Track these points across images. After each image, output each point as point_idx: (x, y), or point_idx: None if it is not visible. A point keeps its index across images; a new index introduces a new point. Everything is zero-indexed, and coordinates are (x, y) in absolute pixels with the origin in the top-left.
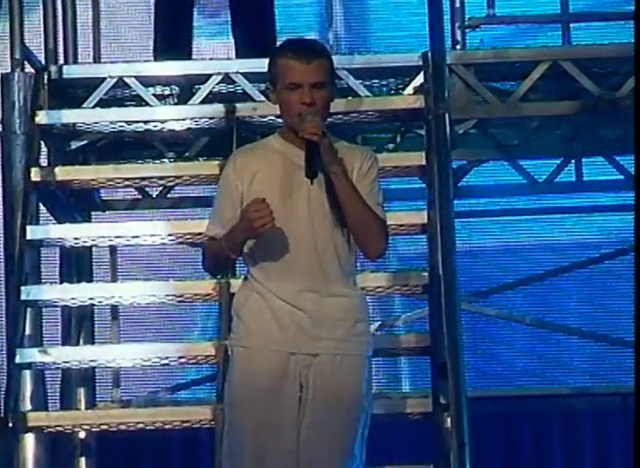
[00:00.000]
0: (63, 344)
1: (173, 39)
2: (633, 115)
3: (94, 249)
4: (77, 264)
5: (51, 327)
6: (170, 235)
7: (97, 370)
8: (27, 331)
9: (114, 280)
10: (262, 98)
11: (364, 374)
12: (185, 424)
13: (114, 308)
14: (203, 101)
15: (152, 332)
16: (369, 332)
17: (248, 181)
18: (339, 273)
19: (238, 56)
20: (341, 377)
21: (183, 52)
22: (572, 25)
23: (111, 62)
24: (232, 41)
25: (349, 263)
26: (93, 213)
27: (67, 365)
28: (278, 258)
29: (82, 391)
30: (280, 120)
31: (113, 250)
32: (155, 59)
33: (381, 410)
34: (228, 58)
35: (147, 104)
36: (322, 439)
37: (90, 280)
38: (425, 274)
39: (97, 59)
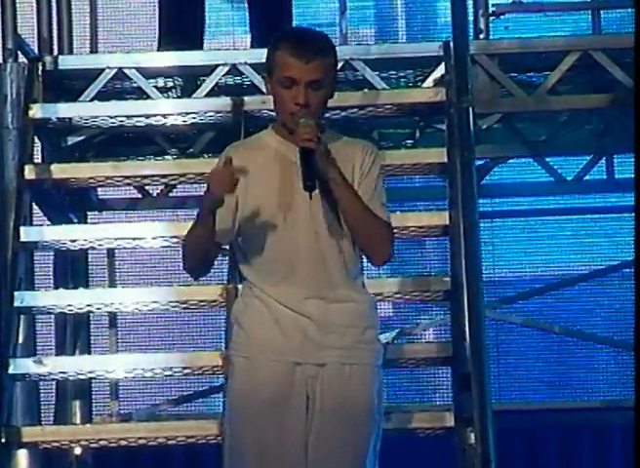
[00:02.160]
0: (57, 354)
1: (180, 28)
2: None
3: (90, 251)
4: (72, 268)
5: (44, 335)
6: (173, 237)
7: (93, 381)
8: (20, 340)
9: (112, 285)
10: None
11: (374, 384)
12: (190, 440)
13: (112, 315)
14: (208, 94)
15: (152, 341)
16: (379, 340)
17: (243, 182)
18: (344, 277)
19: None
20: (351, 388)
21: (193, 43)
22: (602, 13)
23: (110, 53)
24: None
25: (356, 266)
26: (89, 213)
27: (64, 376)
28: (280, 264)
29: (78, 404)
30: None
31: (111, 253)
32: (159, 50)
33: (399, 425)
34: (235, 49)
35: (149, 97)
36: (332, 454)
37: (86, 285)
38: (447, 279)
39: (94, 49)
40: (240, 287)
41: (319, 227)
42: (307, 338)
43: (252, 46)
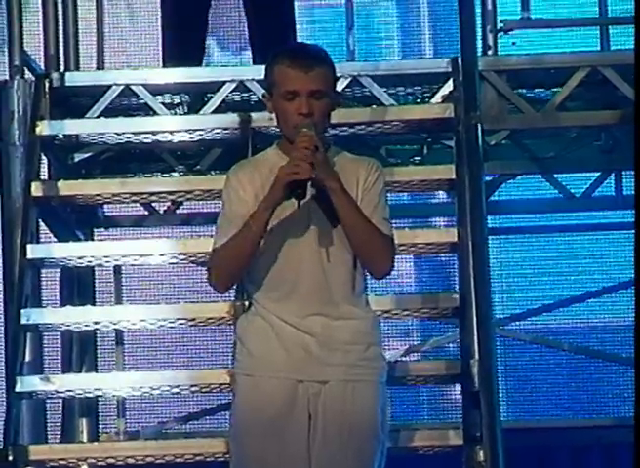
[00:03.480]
0: (64, 371)
1: (184, 46)
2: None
3: (96, 268)
4: (79, 285)
5: (50, 353)
6: (180, 254)
7: (99, 399)
8: (27, 358)
9: (119, 302)
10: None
11: (378, 402)
12: (198, 458)
13: (119, 333)
14: (215, 111)
15: (159, 359)
16: (383, 357)
17: (252, 194)
18: (348, 294)
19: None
20: (354, 406)
21: (195, 59)
22: (611, 29)
23: (116, 69)
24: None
25: (360, 284)
26: (95, 230)
27: (71, 394)
28: (283, 281)
29: (84, 422)
30: None
31: (118, 270)
32: (164, 67)
33: (408, 443)
34: (242, 65)
35: (156, 114)
36: None
37: (93, 302)
38: (456, 296)
39: (101, 66)
40: (246, 304)
41: (323, 245)
42: (310, 355)
43: (254, 63)
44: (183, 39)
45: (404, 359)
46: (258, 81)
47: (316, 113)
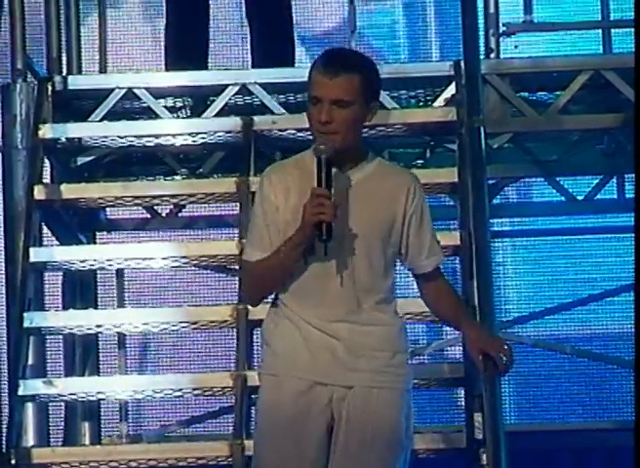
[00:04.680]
0: (67, 375)
1: (186, 49)
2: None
3: (99, 272)
4: (81, 289)
5: (53, 356)
6: (183, 257)
7: (102, 402)
8: (30, 361)
9: (121, 305)
10: (282, 111)
11: (403, 408)
12: (201, 461)
13: (121, 336)
14: (218, 114)
15: (162, 362)
16: (408, 364)
17: (283, 199)
18: (376, 301)
19: (254, 66)
20: (378, 412)
21: (198, 63)
22: (613, 33)
23: (119, 72)
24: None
25: (388, 290)
26: (98, 233)
27: (74, 397)
28: (312, 287)
29: (87, 425)
30: (300, 134)
31: (120, 273)
32: (166, 69)
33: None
34: (245, 68)
35: (158, 117)
36: None
37: (95, 305)
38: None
39: (103, 69)
40: (250, 307)
41: (354, 252)
42: (336, 360)
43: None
44: (185, 41)
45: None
46: (260, 84)
47: (337, 122)
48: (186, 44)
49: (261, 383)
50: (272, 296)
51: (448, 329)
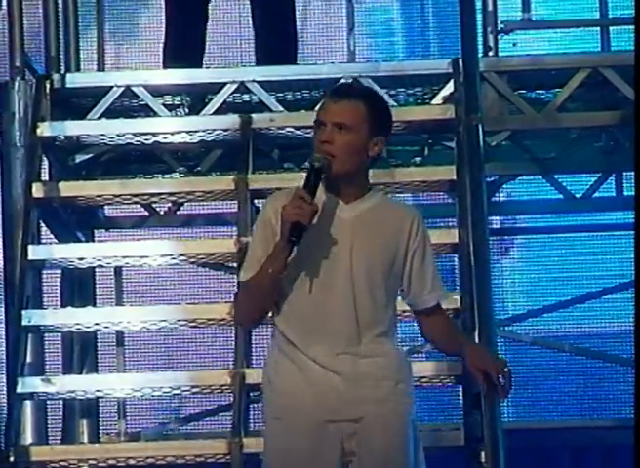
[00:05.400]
0: (65, 373)
1: (184, 47)
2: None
3: (97, 269)
4: (79, 287)
5: (51, 354)
6: (181, 255)
7: (100, 400)
8: (28, 359)
9: (119, 303)
10: (280, 109)
11: (410, 436)
12: (199, 459)
13: (119, 334)
14: (216, 112)
15: (160, 360)
16: (412, 394)
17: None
18: (377, 332)
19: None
20: (387, 441)
21: (195, 61)
22: (611, 30)
23: (117, 70)
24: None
25: (390, 321)
26: (96, 231)
27: (72, 395)
28: (314, 320)
29: (85, 423)
30: (298, 132)
31: (118, 271)
32: (164, 67)
33: None
34: (243, 66)
35: (156, 115)
36: None
37: (93, 303)
38: (457, 297)
39: (101, 67)
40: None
41: (356, 284)
42: (340, 395)
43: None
44: (184, 38)
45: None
46: (258, 82)
47: (336, 145)
48: (184, 42)
49: (267, 426)
50: (272, 330)
51: None
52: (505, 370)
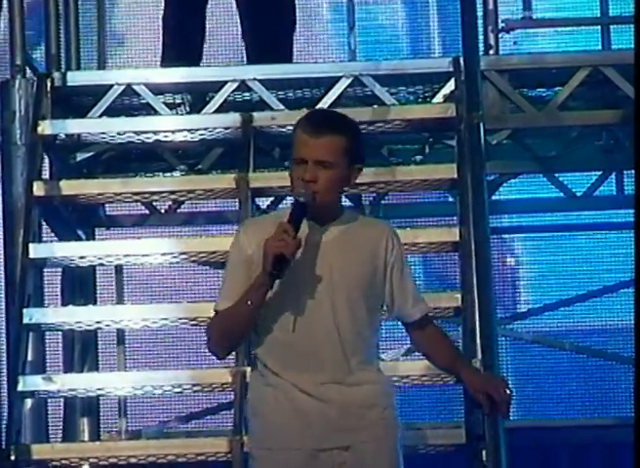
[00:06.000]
0: (66, 371)
1: (182, 46)
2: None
3: (98, 268)
4: (80, 285)
5: (52, 352)
6: (181, 253)
7: (101, 398)
8: (29, 357)
9: (120, 302)
10: (281, 107)
11: (400, 461)
12: (200, 457)
13: (120, 332)
14: (217, 110)
15: (161, 358)
16: (398, 419)
17: (258, 252)
18: (363, 360)
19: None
20: (378, 466)
21: (193, 59)
22: (612, 28)
23: (118, 68)
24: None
25: (373, 349)
26: (97, 229)
27: (73, 393)
28: (298, 349)
29: (85, 421)
30: None
31: (119, 269)
32: (162, 66)
33: (411, 442)
34: (244, 64)
35: (157, 113)
36: None
37: (94, 302)
38: (458, 296)
39: (102, 66)
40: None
41: (338, 310)
42: (328, 423)
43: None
44: (181, 39)
45: (406, 358)
46: (259, 80)
47: (320, 181)
48: (182, 40)
49: (254, 458)
50: (253, 362)
51: (448, 326)
52: (507, 391)
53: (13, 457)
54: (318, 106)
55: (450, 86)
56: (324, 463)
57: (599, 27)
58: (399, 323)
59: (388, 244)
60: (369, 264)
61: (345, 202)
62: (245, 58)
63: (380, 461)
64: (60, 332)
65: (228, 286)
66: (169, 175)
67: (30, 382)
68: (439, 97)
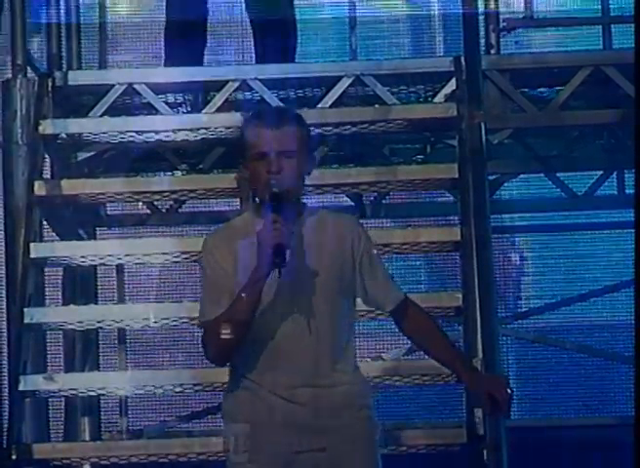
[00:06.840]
0: (67, 371)
1: (184, 46)
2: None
3: (99, 267)
4: (81, 284)
5: (53, 352)
6: (182, 253)
7: (102, 398)
8: (30, 357)
9: (121, 301)
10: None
11: (378, 460)
12: (201, 456)
13: (121, 332)
14: (218, 110)
15: (162, 357)
16: (375, 418)
17: (231, 264)
18: (338, 361)
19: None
20: (354, 465)
21: (195, 59)
22: (613, 28)
23: (119, 68)
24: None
25: (349, 349)
26: (98, 229)
27: (74, 392)
28: (271, 354)
29: (86, 420)
30: None
31: (120, 269)
32: (165, 66)
33: (412, 441)
34: (245, 64)
35: (158, 113)
36: None
37: (95, 301)
38: (459, 295)
39: (103, 65)
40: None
41: (312, 313)
42: (304, 426)
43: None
44: (184, 37)
45: (407, 358)
46: (260, 80)
47: (285, 172)
48: (184, 40)
49: (233, 460)
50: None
51: (449, 326)
52: (508, 390)
53: (14, 457)
54: (319, 106)
55: (451, 85)
56: (301, 466)
57: (600, 27)
58: None
59: (354, 233)
60: (338, 257)
61: (346, 201)
62: (245, 57)
63: (356, 462)
64: (60, 332)
65: (208, 298)
66: (170, 174)
67: (31, 382)
68: (440, 97)
